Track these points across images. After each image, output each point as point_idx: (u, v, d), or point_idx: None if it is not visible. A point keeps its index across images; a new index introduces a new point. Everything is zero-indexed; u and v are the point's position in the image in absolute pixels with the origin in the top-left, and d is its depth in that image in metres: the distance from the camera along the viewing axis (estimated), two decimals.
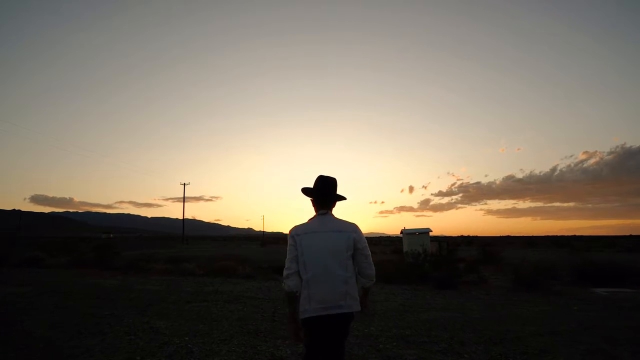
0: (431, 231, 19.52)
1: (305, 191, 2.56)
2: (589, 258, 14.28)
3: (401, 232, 20.77)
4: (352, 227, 2.43)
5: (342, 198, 2.56)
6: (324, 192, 2.50)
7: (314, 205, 2.54)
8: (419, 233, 19.20)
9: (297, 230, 2.44)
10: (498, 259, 19.98)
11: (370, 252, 2.45)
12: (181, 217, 66.66)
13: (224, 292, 9.24)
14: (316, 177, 2.55)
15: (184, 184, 64.53)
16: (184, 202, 65.33)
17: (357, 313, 2.41)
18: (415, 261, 14.46)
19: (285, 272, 2.37)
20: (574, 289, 10.41)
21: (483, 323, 6.06)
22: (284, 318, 6.27)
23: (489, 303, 8.09)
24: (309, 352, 2.37)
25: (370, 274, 2.43)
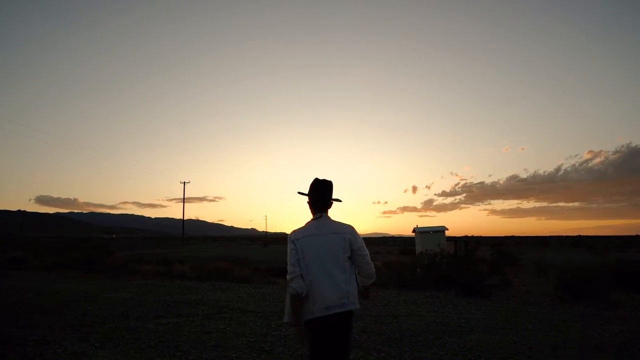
0: (447, 229, 17.85)
1: (301, 194, 2.59)
2: (626, 260, 12.55)
3: (413, 231, 19.09)
4: (348, 229, 2.43)
5: (337, 200, 2.57)
6: (319, 195, 2.50)
7: (310, 208, 2.53)
8: (434, 232, 17.52)
9: (296, 234, 2.43)
10: (519, 260, 18.45)
11: (367, 252, 2.41)
12: (185, 218, 65.12)
13: (207, 302, 7.52)
14: (312, 180, 2.59)
15: (184, 182, 62.91)
16: (183, 201, 63.75)
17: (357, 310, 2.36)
18: (431, 262, 12.77)
19: (289, 276, 2.34)
20: (621, 295, 8.59)
21: (560, 354, 4.27)
22: (279, 338, 4.56)
23: (546, 318, 6.28)
24: (313, 353, 2.35)
25: (369, 273, 2.40)
